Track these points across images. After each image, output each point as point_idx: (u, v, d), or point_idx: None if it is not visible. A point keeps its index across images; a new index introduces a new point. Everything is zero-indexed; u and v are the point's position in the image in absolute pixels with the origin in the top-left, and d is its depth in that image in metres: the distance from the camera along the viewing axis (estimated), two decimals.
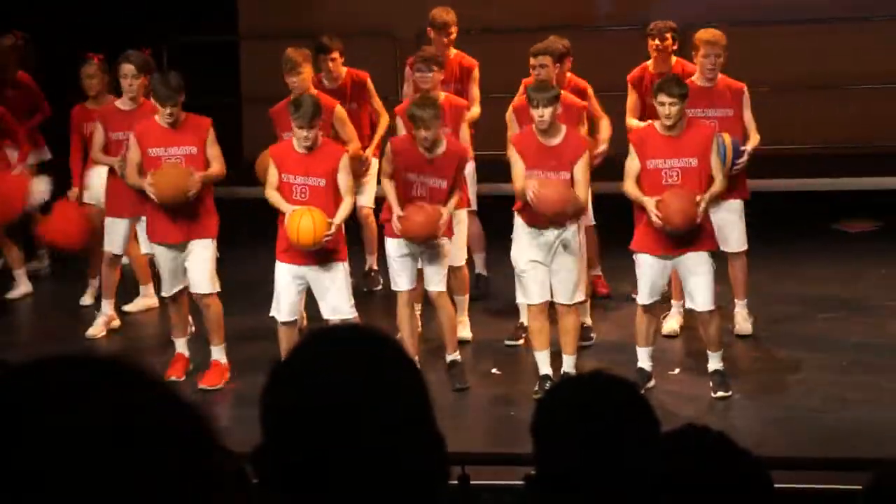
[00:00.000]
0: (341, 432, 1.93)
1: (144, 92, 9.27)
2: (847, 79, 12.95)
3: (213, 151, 8.60)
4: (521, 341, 9.13)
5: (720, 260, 8.65)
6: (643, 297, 8.29)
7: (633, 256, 8.36)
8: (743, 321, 9.29)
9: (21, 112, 10.76)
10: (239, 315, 9.56)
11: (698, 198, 8.00)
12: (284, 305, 8.34)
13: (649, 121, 9.14)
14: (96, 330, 9.73)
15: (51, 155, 10.90)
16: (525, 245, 8.33)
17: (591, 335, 9.18)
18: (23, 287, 10.70)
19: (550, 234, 8.27)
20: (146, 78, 9.27)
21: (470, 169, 9.52)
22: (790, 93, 12.53)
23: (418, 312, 8.87)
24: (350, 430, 1.93)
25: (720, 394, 8.24)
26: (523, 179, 8.18)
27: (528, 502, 2.95)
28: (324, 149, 8.32)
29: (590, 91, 9.50)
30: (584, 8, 13.81)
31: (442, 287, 8.50)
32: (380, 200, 9.63)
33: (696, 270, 8.16)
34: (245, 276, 10.22)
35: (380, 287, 10.26)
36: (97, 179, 9.79)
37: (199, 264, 8.61)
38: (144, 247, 9.45)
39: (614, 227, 9.47)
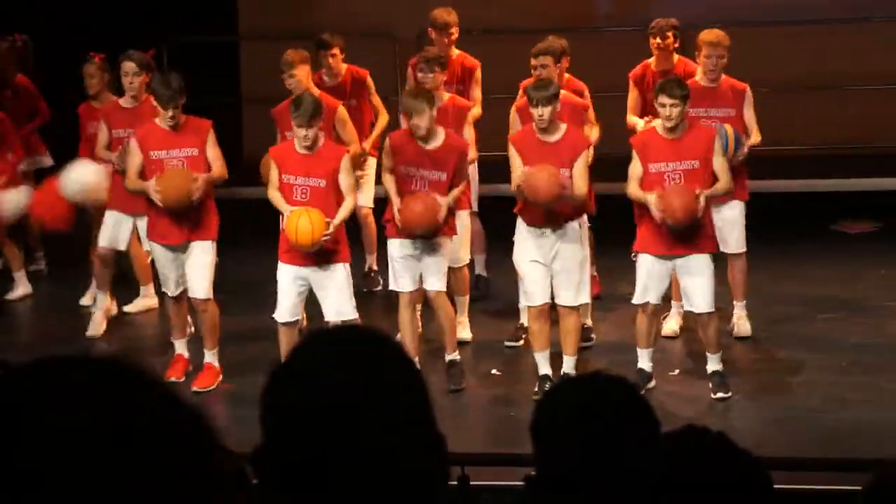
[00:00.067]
0: (341, 432, 1.93)
1: (146, 90, 9.30)
2: (847, 79, 12.96)
3: (214, 153, 8.61)
4: (521, 342, 9.12)
5: (720, 261, 8.65)
6: (637, 296, 8.29)
7: (634, 257, 8.37)
8: (742, 323, 9.28)
9: (20, 116, 10.74)
10: (239, 315, 9.57)
11: (698, 191, 7.99)
12: (285, 306, 8.34)
13: (648, 117, 9.17)
14: (96, 328, 9.74)
15: (52, 161, 10.82)
16: (526, 245, 8.34)
17: (592, 336, 9.18)
18: (22, 288, 10.70)
19: (550, 233, 8.27)
20: (147, 76, 9.33)
21: (472, 170, 9.52)
22: (790, 93, 12.53)
23: (418, 313, 8.87)
24: (350, 430, 1.93)
25: (720, 395, 8.24)
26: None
27: (528, 503, 2.95)
28: (325, 149, 8.32)
29: (587, 93, 9.50)
30: (584, 8, 13.81)
31: (441, 287, 8.49)
32: (379, 201, 9.64)
33: (697, 272, 8.16)
34: (246, 277, 10.23)
35: (380, 287, 10.26)
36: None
37: (199, 269, 8.62)
38: (146, 245, 9.46)
39: (614, 228, 9.47)
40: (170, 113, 8.50)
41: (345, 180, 8.29)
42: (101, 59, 10.02)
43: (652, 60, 9.66)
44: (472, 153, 9.38)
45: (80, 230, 10.13)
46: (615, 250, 9.68)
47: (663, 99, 8.08)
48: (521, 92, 9.12)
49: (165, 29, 12.61)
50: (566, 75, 9.44)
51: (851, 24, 13.05)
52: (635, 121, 9.38)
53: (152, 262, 9.47)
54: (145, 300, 10.23)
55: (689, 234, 8.11)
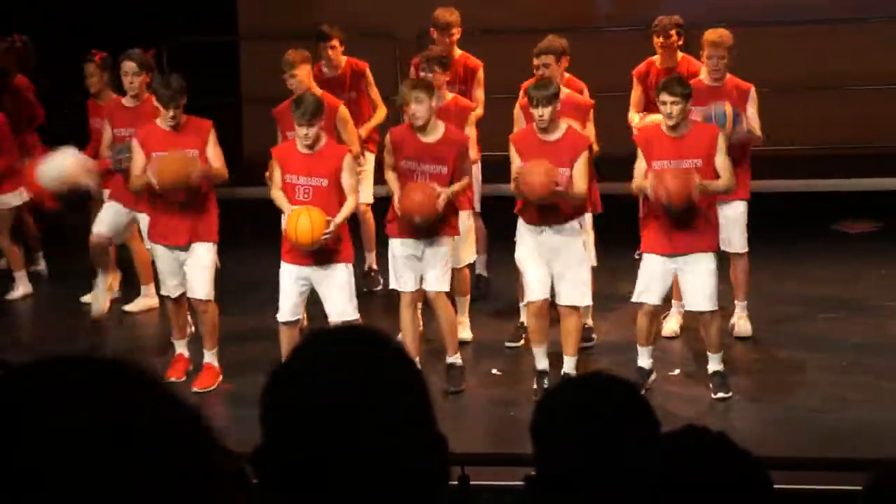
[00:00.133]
0: (341, 432, 1.93)
1: (147, 90, 9.33)
2: (847, 79, 12.96)
3: (215, 152, 8.61)
4: (522, 342, 9.12)
5: (723, 260, 8.65)
6: (636, 295, 8.29)
7: (638, 257, 8.38)
8: (742, 323, 9.29)
9: (21, 118, 10.72)
10: (240, 315, 9.57)
11: (697, 180, 7.98)
12: (286, 305, 8.34)
13: (643, 113, 9.19)
14: (98, 305, 9.84)
15: None
16: (526, 243, 8.35)
17: (592, 336, 9.18)
18: (22, 288, 10.71)
19: (550, 232, 8.28)
20: (147, 76, 9.37)
21: (475, 170, 9.52)
22: (790, 93, 12.53)
23: (419, 313, 8.86)
24: (350, 430, 1.93)
25: (720, 395, 8.24)
26: None
27: (528, 503, 2.95)
28: (326, 149, 8.32)
29: (586, 92, 9.50)
30: (584, 8, 13.81)
31: (441, 288, 8.48)
32: (379, 200, 9.64)
33: (700, 270, 8.16)
34: (246, 277, 10.23)
35: (380, 287, 10.26)
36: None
37: (199, 270, 8.63)
38: (148, 245, 9.48)
39: (614, 228, 9.48)
40: (170, 113, 8.51)
41: (347, 180, 8.29)
42: (100, 58, 10.03)
43: (657, 58, 9.67)
44: (475, 154, 9.39)
45: (81, 231, 10.14)
46: (616, 250, 9.69)
47: (664, 97, 8.10)
48: (522, 92, 9.12)
49: (165, 29, 12.61)
50: (566, 75, 9.44)
51: (851, 24, 13.05)
52: (633, 116, 9.42)
53: (153, 261, 9.48)
54: (146, 300, 10.24)
55: (694, 233, 8.12)
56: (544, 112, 8.15)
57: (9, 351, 8.85)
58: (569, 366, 8.38)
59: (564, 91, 8.83)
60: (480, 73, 10.04)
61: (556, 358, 8.42)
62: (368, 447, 1.93)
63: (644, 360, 8.39)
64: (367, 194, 10.11)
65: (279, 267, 8.39)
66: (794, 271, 10.65)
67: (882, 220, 11.84)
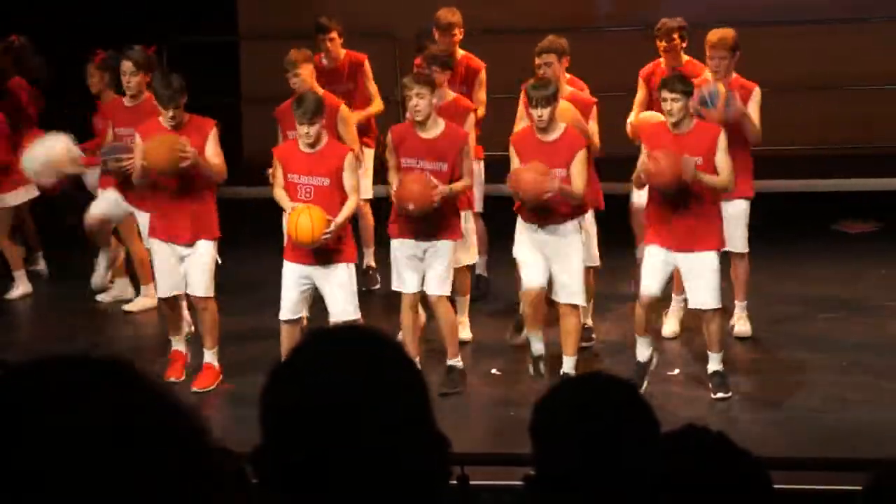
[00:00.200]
0: (341, 432, 1.93)
1: (148, 89, 9.33)
2: (847, 79, 12.95)
3: (214, 150, 8.58)
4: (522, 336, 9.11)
5: (724, 259, 8.64)
6: (644, 289, 8.28)
7: (639, 253, 8.40)
8: (742, 323, 9.28)
9: (18, 118, 10.71)
10: (239, 315, 9.57)
11: (694, 171, 7.99)
12: (287, 304, 8.34)
13: (637, 110, 9.24)
14: (100, 279, 10.20)
15: None
16: (523, 239, 8.37)
17: (592, 336, 9.18)
18: (22, 287, 10.71)
19: (547, 231, 8.28)
20: (145, 75, 9.37)
21: (477, 171, 9.52)
22: (790, 93, 12.53)
23: (420, 313, 8.86)
24: (350, 430, 1.93)
25: (720, 395, 8.24)
26: None
27: (528, 502, 2.95)
28: (328, 148, 8.32)
29: (586, 92, 9.49)
30: (584, 8, 13.81)
31: (441, 292, 8.45)
32: (380, 199, 9.64)
33: (703, 268, 8.16)
34: (247, 277, 10.23)
35: (378, 286, 10.26)
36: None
37: (199, 267, 8.63)
38: (147, 243, 9.50)
39: (614, 227, 9.47)
40: (170, 113, 8.50)
41: (348, 179, 8.29)
42: (99, 59, 10.03)
43: (662, 59, 9.69)
44: (475, 154, 9.39)
45: (81, 231, 10.15)
46: (616, 250, 9.68)
47: (664, 94, 8.13)
48: (522, 93, 9.12)
49: (165, 29, 12.61)
50: (567, 75, 9.44)
51: (851, 24, 13.05)
52: (633, 116, 9.45)
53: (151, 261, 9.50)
54: (145, 300, 10.24)
55: (697, 230, 8.13)
56: (543, 113, 8.16)
57: (8, 351, 8.85)
58: (568, 366, 8.38)
59: (567, 89, 8.84)
60: (483, 75, 10.02)
61: (555, 358, 8.41)
62: (368, 447, 1.93)
63: (642, 351, 8.38)
64: (365, 190, 10.11)
65: (279, 267, 8.39)
66: (794, 271, 10.65)
67: (882, 219, 11.84)
